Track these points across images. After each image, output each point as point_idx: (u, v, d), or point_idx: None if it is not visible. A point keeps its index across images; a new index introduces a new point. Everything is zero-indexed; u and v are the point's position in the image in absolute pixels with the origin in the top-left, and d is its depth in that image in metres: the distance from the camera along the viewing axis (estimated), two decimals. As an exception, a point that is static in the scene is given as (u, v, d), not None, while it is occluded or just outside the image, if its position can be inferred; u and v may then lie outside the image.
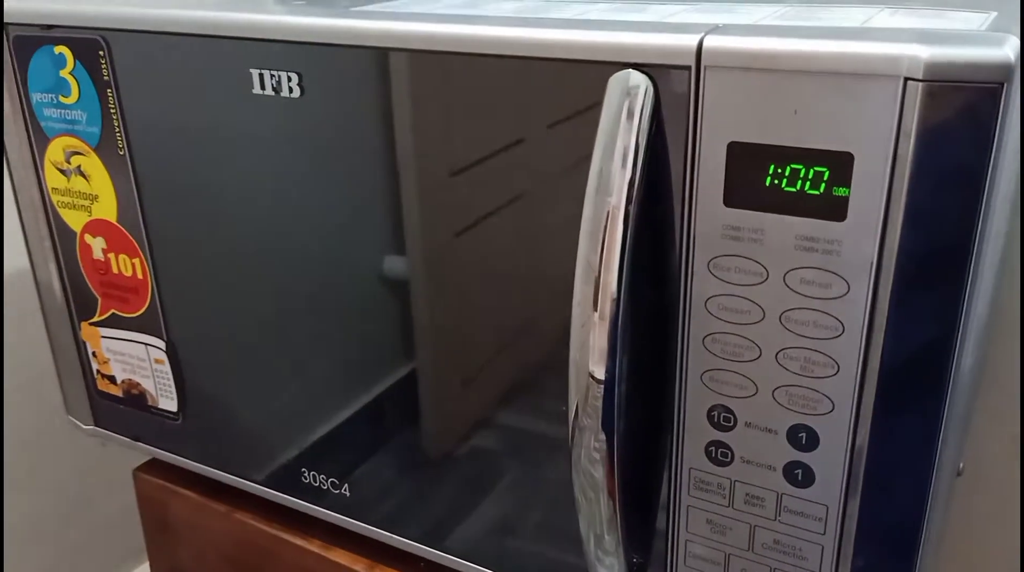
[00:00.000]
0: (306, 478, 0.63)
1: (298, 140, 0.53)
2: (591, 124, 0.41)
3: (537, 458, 0.53)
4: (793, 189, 0.38)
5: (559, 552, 0.54)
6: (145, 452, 0.73)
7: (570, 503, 0.47)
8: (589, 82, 0.41)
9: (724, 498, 0.46)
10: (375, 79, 0.49)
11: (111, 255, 0.65)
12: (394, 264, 0.53)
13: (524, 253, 0.48)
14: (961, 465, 0.47)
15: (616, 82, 0.41)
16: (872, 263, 0.38)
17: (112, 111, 0.59)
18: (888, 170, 0.36)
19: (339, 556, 0.65)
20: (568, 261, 0.42)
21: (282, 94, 0.51)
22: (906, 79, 0.35)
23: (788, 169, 0.38)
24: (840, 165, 0.37)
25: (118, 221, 0.63)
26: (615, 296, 0.41)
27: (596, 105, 0.41)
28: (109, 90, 0.59)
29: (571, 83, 0.43)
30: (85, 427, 0.74)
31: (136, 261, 0.63)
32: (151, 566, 0.80)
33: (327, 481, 0.62)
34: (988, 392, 0.40)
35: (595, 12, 0.48)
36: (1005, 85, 0.34)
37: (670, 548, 0.49)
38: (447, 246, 0.50)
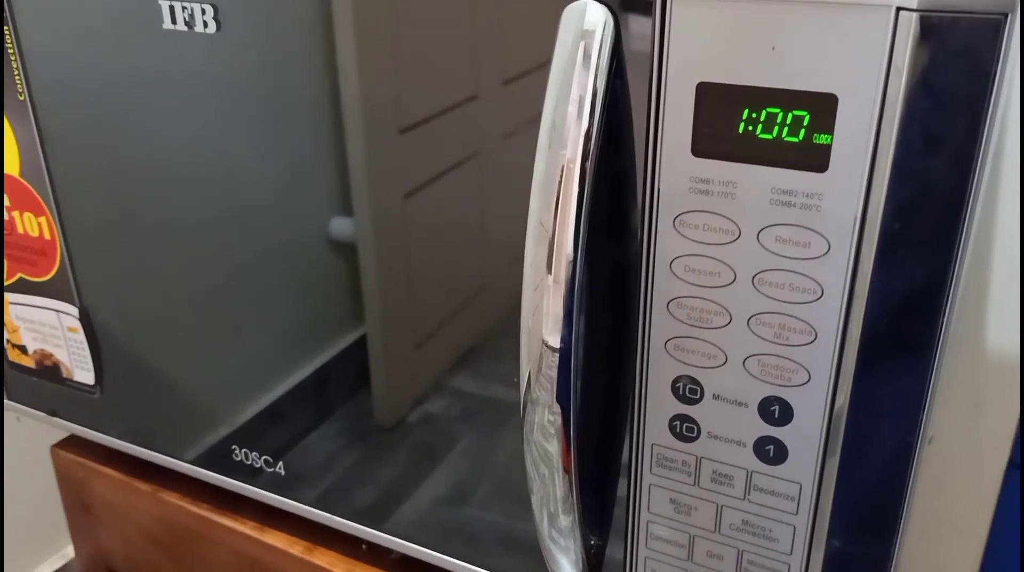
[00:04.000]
0: (237, 455, 0.60)
1: (217, 84, 0.49)
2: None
3: (492, 423, 0.51)
4: (769, 136, 0.35)
5: (510, 525, 0.52)
6: (63, 428, 0.69)
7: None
8: (545, 33, 0.38)
9: (689, 476, 0.43)
10: (309, 12, 0.44)
11: (15, 214, 0.60)
12: (341, 225, 0.50)
13: (477, 215, 0.45)
14: (931, 433, 0.45)
15: (570, 15, 0.37)
16: (856, 219, 0.35)
17: (10, 51, 0.55)
18: (876, 114, 0.33)
19: (274, 538, 0.62)
20: (523, 223, 0.39)
21: (196, 29, 0.47)
22: (898, 9, 0.32)
23: (764, 114, 0.35)
24: (822, 109, 0.34)
25: (21, 175, 0.59)
26: (571, 257, 0.38)
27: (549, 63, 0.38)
28: (6, 28, 0.54)
29: (527, 34, 0.40)
30: (-2, 401, 0.71)
31: (42, 220, 0.59)
32: (75, 549, 0.76)
33: (260, 459, 0.59)
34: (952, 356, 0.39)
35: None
36: (1009, 16, 0.31)
37: (630, 529, 0.46)
38: (397, 207, 0.47)
